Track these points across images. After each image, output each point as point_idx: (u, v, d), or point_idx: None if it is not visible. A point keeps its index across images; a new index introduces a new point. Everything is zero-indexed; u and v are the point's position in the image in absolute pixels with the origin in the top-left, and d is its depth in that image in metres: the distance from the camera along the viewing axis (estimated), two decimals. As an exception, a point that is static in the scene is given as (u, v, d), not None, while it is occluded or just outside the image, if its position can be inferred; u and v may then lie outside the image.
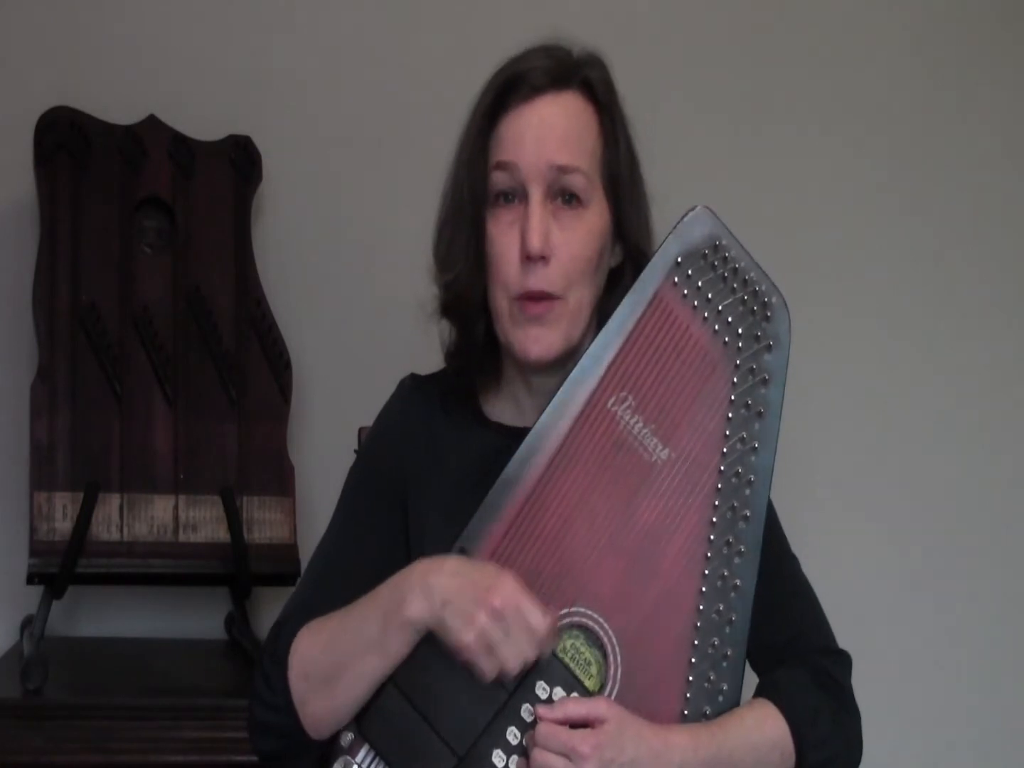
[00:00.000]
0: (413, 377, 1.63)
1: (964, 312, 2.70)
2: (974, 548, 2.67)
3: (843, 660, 1.57)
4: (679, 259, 1.48)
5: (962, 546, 2.67)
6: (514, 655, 1.34)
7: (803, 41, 2.67)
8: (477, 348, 1.56)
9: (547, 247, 1.48)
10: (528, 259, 1.48)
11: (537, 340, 1.50)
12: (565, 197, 1.50)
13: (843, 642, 1.59)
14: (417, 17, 2.56)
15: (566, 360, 1.51)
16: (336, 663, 1.40)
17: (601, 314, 1.54)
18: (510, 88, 1.51)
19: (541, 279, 1.48)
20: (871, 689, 1.64)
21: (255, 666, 1.50)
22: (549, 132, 1.49)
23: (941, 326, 2.70)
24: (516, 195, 1.51)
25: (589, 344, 1.50)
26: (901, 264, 2.69)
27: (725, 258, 1.49)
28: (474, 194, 1.52)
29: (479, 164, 1.51)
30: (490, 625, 1.34)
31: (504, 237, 1.50)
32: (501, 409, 1.60)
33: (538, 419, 1.48)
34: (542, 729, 1.39)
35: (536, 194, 1.49)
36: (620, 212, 1.54)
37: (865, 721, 1.53)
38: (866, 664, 1.65)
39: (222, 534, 2.20)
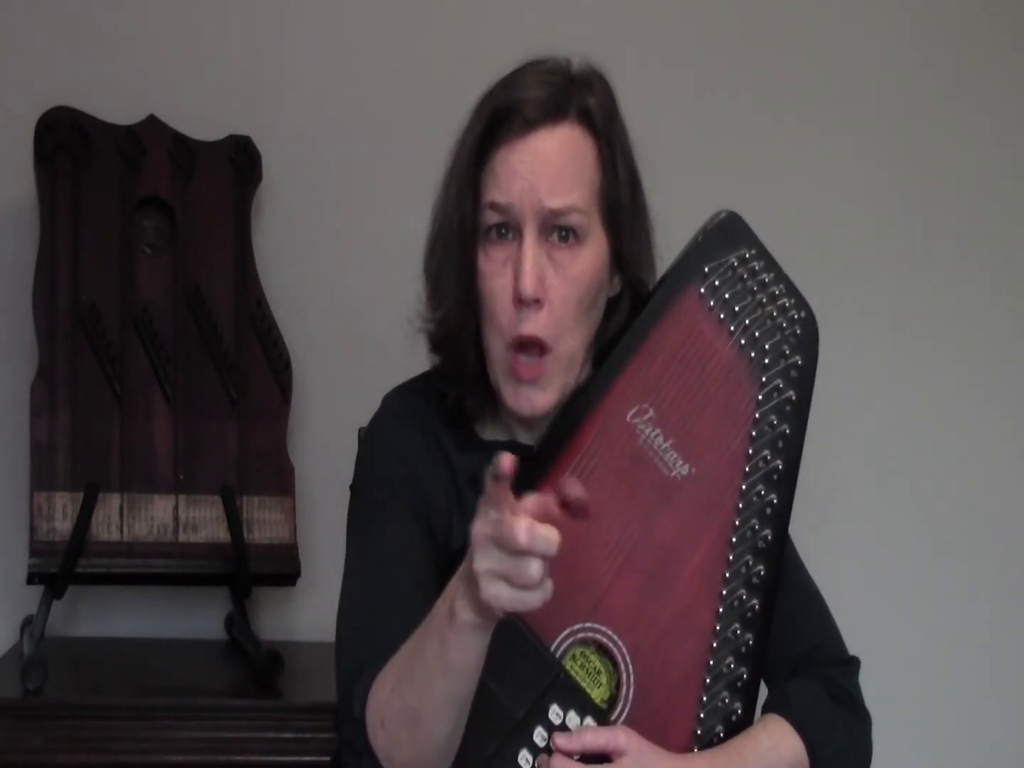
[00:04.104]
0: (402, 396, 1.55)
1: (979, 317, 2.66)
2: (987, 554, 2.65)
3: (852, 668, 1.53)
4: (706, 269, 1.43)
5: (975, 551, 2.64)
6: (533, 564, 1.14)
7: (804, 41, 2.66)
8: (468, 378, 1.49)
9: (540, 290, 1.40)
10: (521, 302, 1.41)
11: (530, 400, 1.44)
12: (561, 234, 1.42)
13: (854, 646, 1.56)
14: (418, 17, 2.51)
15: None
16: (410, 699, 1.28)
17: (598, 345, 1.48)
18: (501, 119, 1.42)
19: (534, 324, 1.41)
20: (881, 693, 1.63)
21: (337, 733, 1.41)
22: (543, 169, 1.41)
23: (957, 334, 2.66)
24: (509, 230, 1.42)
25: (585, 378, 1.46)
26: (917, 269, 2.65)
27: (754, 270, 1.43)
28: (464, 232, 1.44)
29: (469, 201, 1.43)
30: (492, 564, 1.15)
31: (498, 277, 1.43)
32: (494, 431, 1.53)
33: (545, 435, 1.44)
34: (557, 764, 1.34)
35: (530, 236, 1.41)
36: (620, 241, 1.46)
37: (874, 725, 1.51)
38: (874, 668, 1.63)
39: (222, 534, 2.16)
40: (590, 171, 1.44)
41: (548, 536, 1.12)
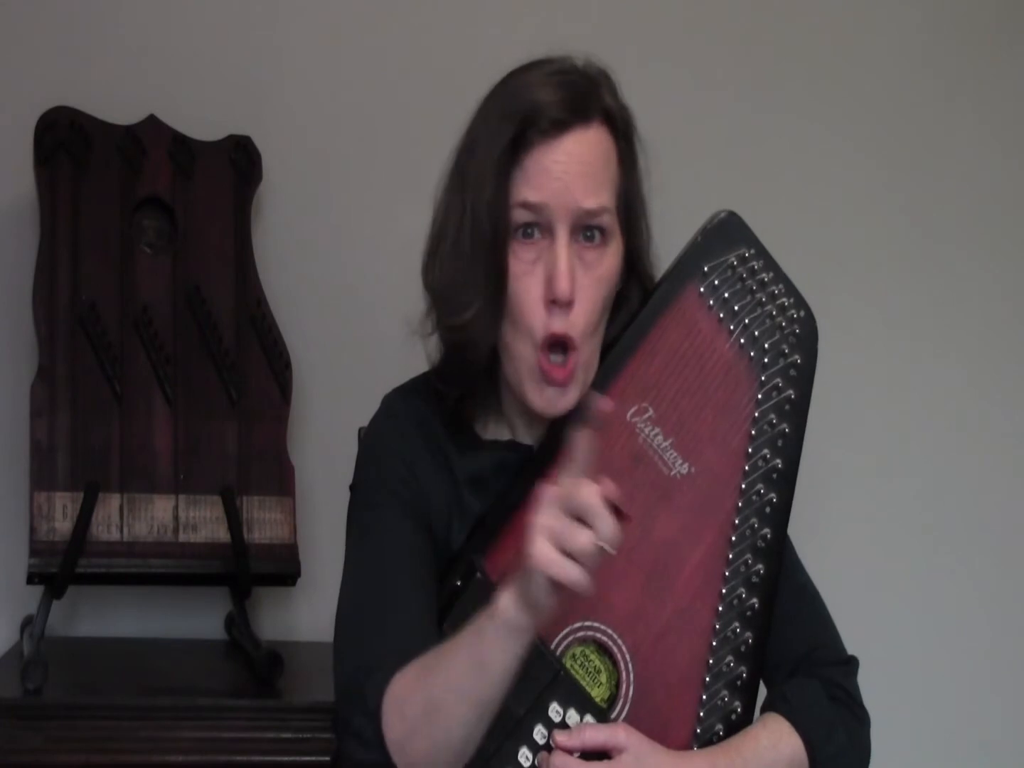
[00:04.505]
0: (402, 397, 1.55)
1: (976, 313, 2.66)
2: (987, 554, 2.65)
3: (851, 668, 1.53)
4: (705, 268, 1.44)
5: (975, 551, 2.64)
6: (586, 534, 1.19)
7: (804, 41, 2.66)
8: (472, 377, 1.48)
9: (574, 291, 1.41)
10: (554, 303, 1.41)
11: (554, 402, 1.43)
12: (587, 234, 1.43)
13: (853, 646, 1.56)
14: (418, 17, 2.51)
15: None
16: (435, 692, 1.29)
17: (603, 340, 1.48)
18: (530, 121, 1.41)
19: (565, 323, 1.41)
20: (880, 693, 1.63)
21: (339, 728, 1.39)
22: (578, 170, 1.41)
23: (955, 331, 2.66)
24: (538, 229, 1.42)
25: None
26: (917, 268, 2.65)
27: (753, 269, 1.44)
28: (496, 233, 1.42)
29: (501, 203, 1.41)
30: (550, 521, 1.20)
31: (528, 277, 1.42)
32: (495, 430, 1.52)
33: (545, 434, 1.44)
34: (556, 761, 1.35)
35: (563, 236, 1.41)
36: (634, 240, 1.48)
37: (873, 725, 1.52)
38: (873, 668, 1.63)
39: (222, 534, 2.16)
40: (614, 171, 1.46)
41: (609, 519, 1.18)
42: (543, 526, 1.20)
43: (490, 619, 1.26)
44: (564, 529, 1.18)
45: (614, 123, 1.46)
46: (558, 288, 1.40)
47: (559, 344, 1.42)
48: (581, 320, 1.42)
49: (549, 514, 1.20)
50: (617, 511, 1.19)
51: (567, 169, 1.41)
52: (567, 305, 1.41)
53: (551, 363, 1.42)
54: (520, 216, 1.42)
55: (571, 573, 1.18)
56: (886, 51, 2.66)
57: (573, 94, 1.43)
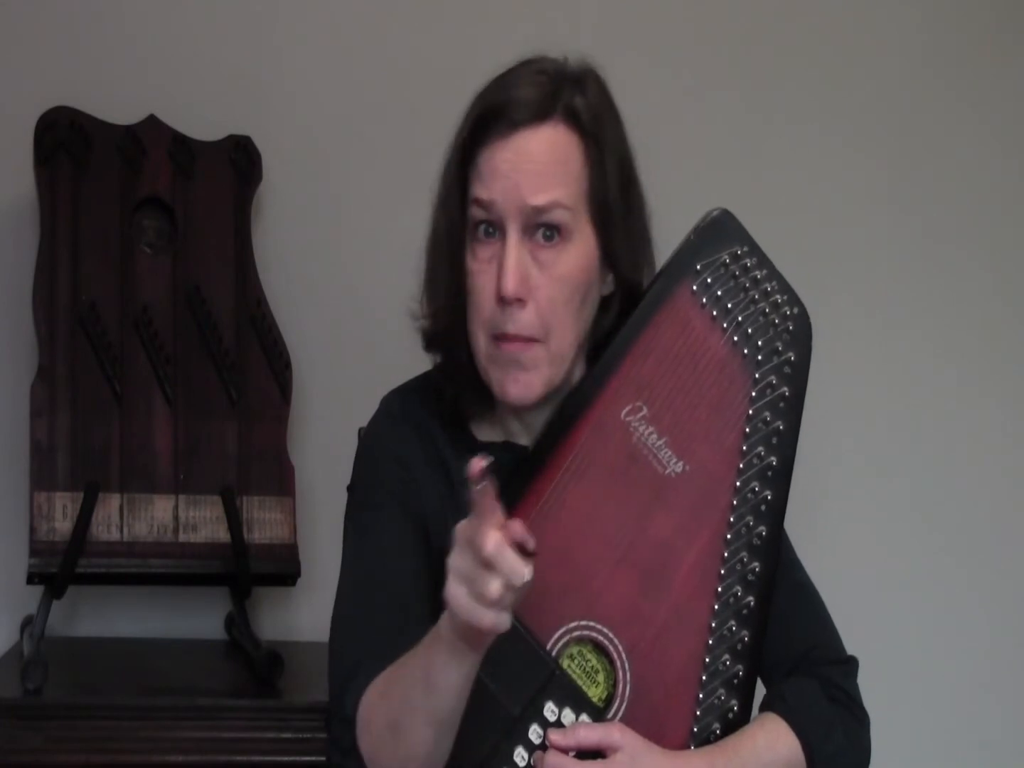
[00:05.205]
0: (401, 397, 1.55)
1: (973, 312, 2.67)
2: (987, 554, 2.66)
3: (851, 668, 1.53)
4: (698, 266, 1.43)
5: (974, 550, 2.65)
6: (494, 583, 1.16)
7: (804, 41, 2.67)
8: (463, 377, 1.49)
9: (523, 289, 1.40)
10: (503, 301, 1.41)
11: (515, 382, 1.43)
12: (546, 233, 1.42)
13: (852, 646, 1.56)
14: (418, 17, 2.52)
15: (551, 397, 1.45)
16: (393, 708, 1.30)
17: (592, 343, 1.48)
18: (489, 120, 1.42)
19: (517, 323, 1.41)
20: (879, 693, 1.63)
21: (328, 732, 1.41)
22: (526, 168, 1.41)
23: (952, 330, 2.66)
24: (495, 229, 1.43)
25: (579, 377, 1.46)
26: (913, 266, 2.66)
27: (746, 266, 1.43)
28: (451, 231, 1.45)
29: (456, 200, 1.44)
30: (462, 563, 1.19)
31: (483, 275, 1.43)
32: (490, 431, 1.53)
33: (539, 435, 1.45)
34: (551, 760, 1.34)
35: (513, 234, 1.41)
36: (609, 240, 1.45)
37: (873, 725, 1.52)
38: (872, 668, 1.64)
39: (222, 534, 2.16)
40: (576, 169, 1.44)
41: (515, 565, 1.15)
42: (455, 568, 1.18)
43: (434, 638, 1.26)
44: (474, 575, 1.17)
45: (578, 120, 1.44)
46: (502, 286, 1.40)
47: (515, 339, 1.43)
48: (535, 320, 1.42)
49: (460, 557, 1.18)
50: (523, 550, 1.17)
51: (515, 167, 1.41)
52: (516, 303, 1.41)
53: (504, 342, 1.43)
54: (476, 214, 1.43)
55: (483, 620, 1.17)
56: (886, 51, 2.66)
57: (535, 93, 1.43)
